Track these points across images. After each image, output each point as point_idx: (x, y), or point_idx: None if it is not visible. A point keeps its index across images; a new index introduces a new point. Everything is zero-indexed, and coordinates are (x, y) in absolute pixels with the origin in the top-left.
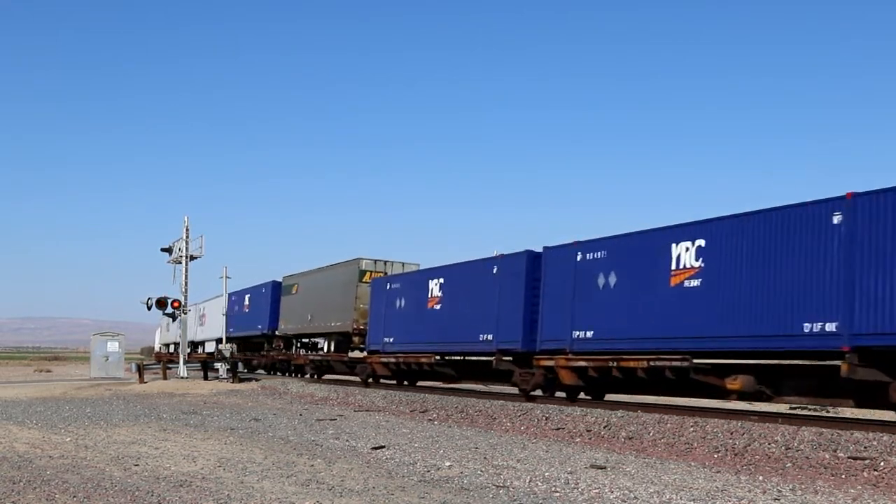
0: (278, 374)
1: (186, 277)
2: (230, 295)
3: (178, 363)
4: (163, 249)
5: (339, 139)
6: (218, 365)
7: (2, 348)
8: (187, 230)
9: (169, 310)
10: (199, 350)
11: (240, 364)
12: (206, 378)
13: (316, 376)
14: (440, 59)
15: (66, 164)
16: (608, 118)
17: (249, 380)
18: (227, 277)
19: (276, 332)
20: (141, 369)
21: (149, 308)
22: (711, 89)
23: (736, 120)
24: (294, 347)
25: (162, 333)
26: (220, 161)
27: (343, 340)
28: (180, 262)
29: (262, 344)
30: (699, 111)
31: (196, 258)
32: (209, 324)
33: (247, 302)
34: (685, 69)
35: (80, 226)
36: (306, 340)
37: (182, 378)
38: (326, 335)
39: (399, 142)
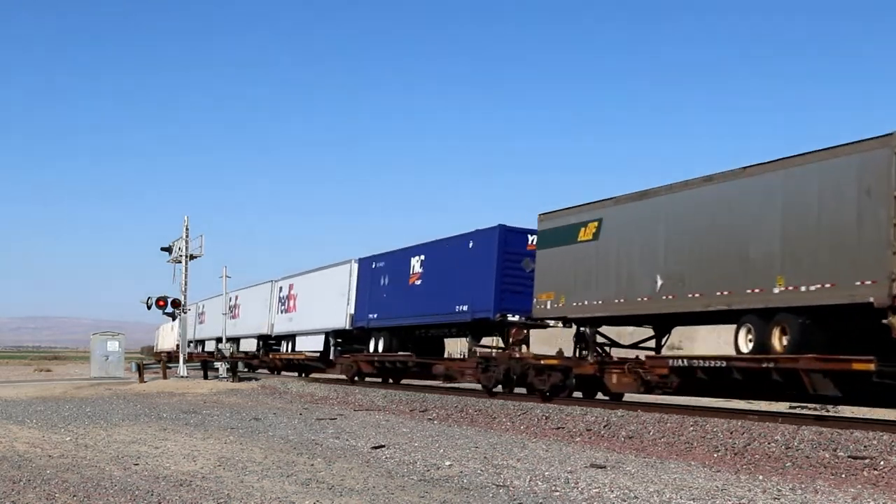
0: (507, 388)
1: (186, 277)
2: (362, 261)
3: (212, 364)
4: (163, 249)
5: (341, 139)
6: (218, 364)
7: (2, 348)
8: (187, 230)
9: (169, 309)
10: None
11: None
12: (206, 377)
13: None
14: (439, 60)
15: (66, 163)
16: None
17: (249, 379)
18: (227, 277)
19: (515, 316)
20: (141, 369)
21: (149, 308)
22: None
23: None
24: (586, 347)
25: (198, 327)
26: (220, 161)
27: (819, 329)
28: (180, 262)
29: (439, 339)
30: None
31: (196, 258)
32: (244, 318)
33: (417, 268)
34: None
35: (80, 225)
36: (584, 330)
37: (182, 377)
38: (753, 315)
39: (400, 141)
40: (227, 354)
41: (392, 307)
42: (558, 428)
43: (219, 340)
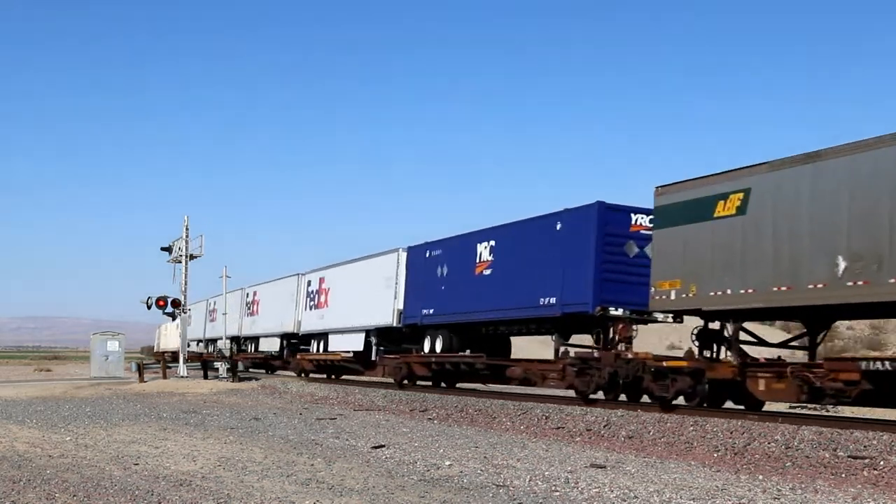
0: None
1: (186, 277)
2: (412, 250)
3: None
4: (163, 249)
5: (341, 138)
6: (218, 364)
7: (2, 348)
8: (187, 230)
9: (169, 309)
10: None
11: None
12: (205, 377)
13: None
14: (436, 59)
15: (66, 162)
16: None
17: (249, 379)
18: (226, 277)
19: (618, 310)
20: (141, 368)
21: (149, 307)
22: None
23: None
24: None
25: (208, 325)
26: (220, 161)
27: None
28: (180, 262)
29: (505, 338)
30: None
31: (196, 258)
32: (264, 315)
33: (485, 256)
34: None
35: (79, 225)
36: (724, 325)
37: (182, 377)
38: None
39: (400, 141)
40: (227, 354)
41: (453, 301)
42: (558, 428)
43: (231, 339)
